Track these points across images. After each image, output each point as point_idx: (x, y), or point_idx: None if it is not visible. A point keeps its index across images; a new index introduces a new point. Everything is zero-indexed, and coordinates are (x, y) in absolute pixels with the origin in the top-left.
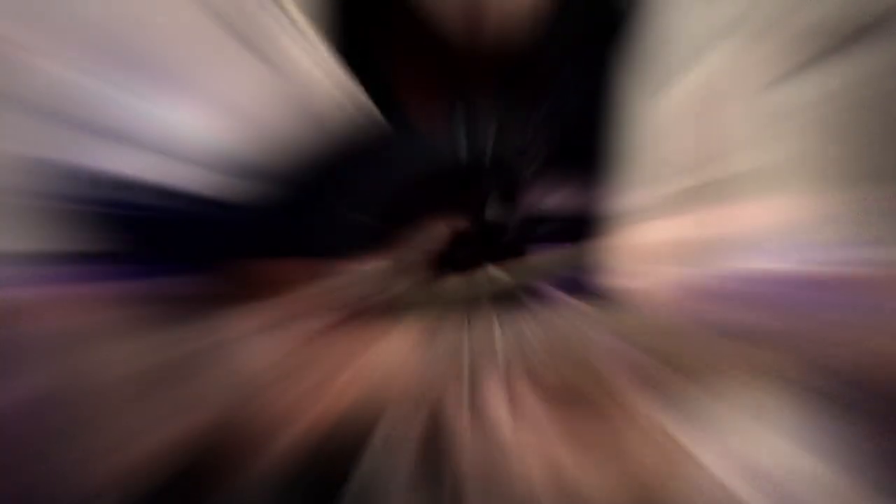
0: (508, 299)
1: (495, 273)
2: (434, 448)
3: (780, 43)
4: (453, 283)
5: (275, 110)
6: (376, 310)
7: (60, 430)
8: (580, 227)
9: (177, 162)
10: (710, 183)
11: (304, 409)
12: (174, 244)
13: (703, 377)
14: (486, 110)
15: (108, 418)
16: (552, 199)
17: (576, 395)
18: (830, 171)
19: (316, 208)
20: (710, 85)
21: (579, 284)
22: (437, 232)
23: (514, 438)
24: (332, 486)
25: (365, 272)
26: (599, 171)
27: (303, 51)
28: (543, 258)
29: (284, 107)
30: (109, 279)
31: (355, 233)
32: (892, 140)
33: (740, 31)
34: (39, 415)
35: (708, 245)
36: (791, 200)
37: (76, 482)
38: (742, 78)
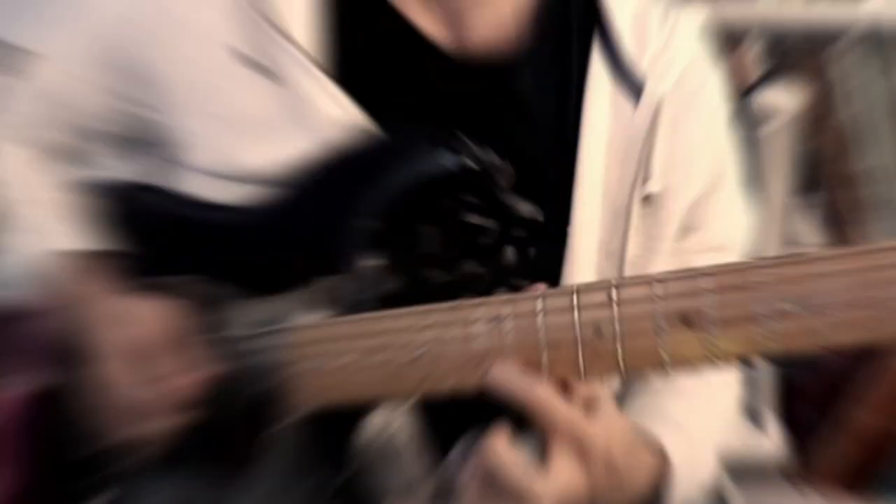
0: (487, 293)
1: (476, 270)
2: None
3: (744, 58)
4: (440, 278)
5: (283, 125)
6: (372, 304)
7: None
8: (550, 231)
9: (194, 171)
10: (667, 188)
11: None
12: (188, 245)
13: (658, 360)
14: (471, 124)
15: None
16: (526, 206)
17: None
18: (783, 175)
19: (319, 213)
20: (676, 97)
21: (546, 281)
22: (427, 234)
23: None
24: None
25: (363, 270)
26: (568, 181)
27: (308, 74)
28: (516, 258)
29: (291, 122)
30: (125, 276)
31: (354, 235)
32: (833, 151)
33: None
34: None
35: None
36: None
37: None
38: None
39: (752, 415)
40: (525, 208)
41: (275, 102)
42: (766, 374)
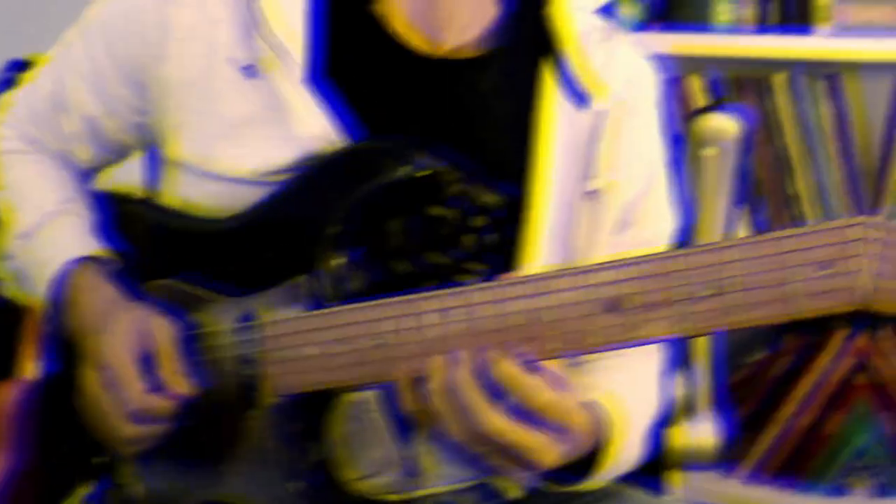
0: (448, 278)
1: (438, 259)
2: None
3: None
4: (405, 269)
5: (263, 124)
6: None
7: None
8: (507, 219)
9: (177, 166)
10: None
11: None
12: (176, 251)
13: (586, 342)
14: (440, 118)
15: None
16: (487, 195)
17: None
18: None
19: (293, 217)
20: (617, 107)
21: (501, 266)
22: (393, 229)
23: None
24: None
25: (333, 268)
26: (523, 175)
27: (289, 77)
28: (475, 245)
29: (272, 121)
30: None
31: (326, 235)
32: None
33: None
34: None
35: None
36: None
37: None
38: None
39: (689, 410)
40: (486, 197)
41: (258, 102)
42: (703, 372)
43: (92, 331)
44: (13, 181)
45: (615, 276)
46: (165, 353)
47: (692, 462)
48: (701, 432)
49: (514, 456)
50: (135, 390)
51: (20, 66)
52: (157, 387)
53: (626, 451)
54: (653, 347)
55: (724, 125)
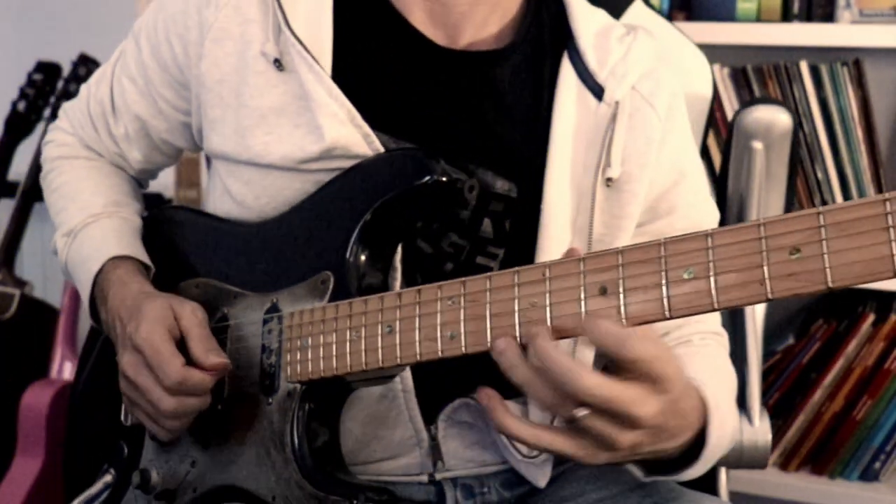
0: (469, 262)
1: (458, 241)
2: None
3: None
4: (426, 250)
5: (289, 112)
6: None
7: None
8: (524, 207)
9: (214, 156)
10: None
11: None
12: (209, 252)
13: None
14: (456, 110)
15: None
16: (502, 183)
17: None
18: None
19: (313, 223)
20: (632, 99)
21: (521, 251)
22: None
23: None
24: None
25: (351, 264)
26: (540, 164)
27: (310, 69)
28: (493, 230)
29: (296, 111)
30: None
31: (344, 235)
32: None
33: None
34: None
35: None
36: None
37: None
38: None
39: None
40: (501, 184)
41: (288, 93)
42: (755, 366)
43: (126, 319)
44: (64, 184)
45: (604, 264)
46: (195, 332)
47: (745, 464)
48: (754, 433)
49: (613, 412)
50: (174, 364)
51: (47, 67)
52: (192, 362)
53: (721, 434)
54: (718, 337)
55: (773, 117)
